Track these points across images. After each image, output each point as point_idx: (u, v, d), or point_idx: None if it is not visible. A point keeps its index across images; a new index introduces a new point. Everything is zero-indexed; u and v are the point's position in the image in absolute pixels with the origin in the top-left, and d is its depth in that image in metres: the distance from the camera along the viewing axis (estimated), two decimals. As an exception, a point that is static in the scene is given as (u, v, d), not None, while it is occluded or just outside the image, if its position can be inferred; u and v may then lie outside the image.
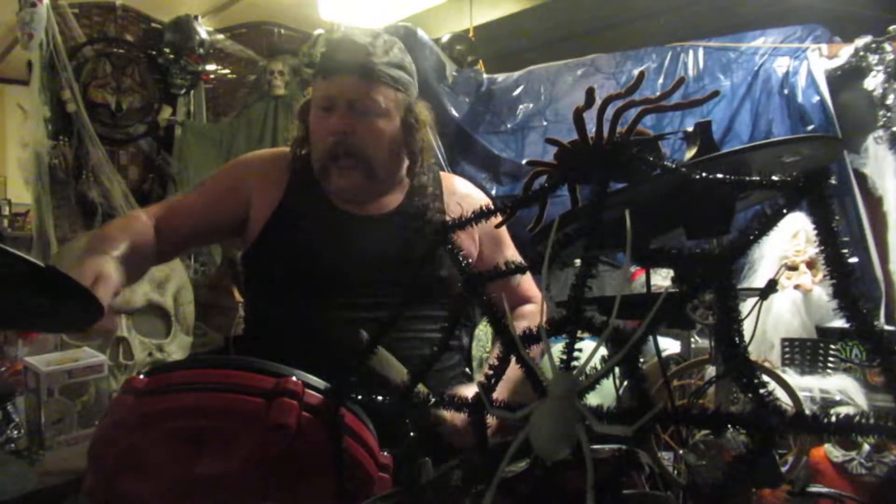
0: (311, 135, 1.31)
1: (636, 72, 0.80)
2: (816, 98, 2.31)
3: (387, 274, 1.24)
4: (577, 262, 0.65)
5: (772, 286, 0.96)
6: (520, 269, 0.71)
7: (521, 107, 2.96)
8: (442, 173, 1.47)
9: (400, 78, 1.29)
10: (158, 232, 1.28)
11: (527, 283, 1.46)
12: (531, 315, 1.41)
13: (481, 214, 0.75)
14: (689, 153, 0.95)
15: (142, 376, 0.81)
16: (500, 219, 1.32)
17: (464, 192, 1.46)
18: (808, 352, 1.57)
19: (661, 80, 2.65)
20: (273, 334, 1.29)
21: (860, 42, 2.27)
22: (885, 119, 2.18)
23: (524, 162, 2.75)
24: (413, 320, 1.27)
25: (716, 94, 0.90)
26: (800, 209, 0.57)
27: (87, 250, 1.12)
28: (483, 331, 2.04)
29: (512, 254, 1.44)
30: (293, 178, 1.35)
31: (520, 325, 1.33)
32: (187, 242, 1.41)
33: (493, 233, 1.43)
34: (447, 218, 0.81)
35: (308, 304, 1.25)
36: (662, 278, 1.59)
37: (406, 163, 1.37)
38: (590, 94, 0.78)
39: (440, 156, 2.80)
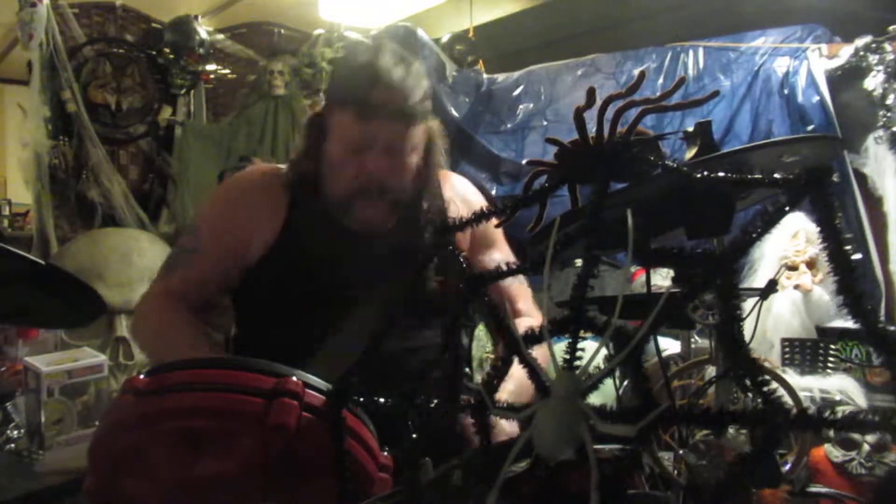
0: (336, 166, 1.26)
1: (636, 72, 0.80)
2: (816, 98, 2.31)
3: (394, 290, 1.22)
4: (578, 262, 0.65)
5: (772, 286, 0.96)
6: (521, 270, 0.71)
7: (521, 107, 2.96)
8: (440, 172, 1.43)
9: (428, 107, 1.27)
10: (187, 305, 1.26)
11: (524, 299, 1.42)
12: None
13: (482, 216, 0.75)
14: (690, 153, 0.95)
15: (142, 376, 0.81)
16: (503, 240, 1.32)
17: (460, 191, 1.44)
18: (808, 352, 1.57)
19: (661, 80, 2.65)
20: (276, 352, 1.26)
21: (860, 42, 2.27)
22: (885, 119, 2.18)
23: (524, 162, 2.76)
24: (413, 329, 1.26)
25: (716, 94, 0.90)
26: (800, 208, 0.57)
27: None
28: (483, 331, 2.04)
29: (503, 256, 1.40)
30: (294, 200, 1.30)
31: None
32: (210, 301, 1.35)
33: (487, 235, 1.42)
34: (448, 219, 0.81)
35: (319, 322, 1.23)
36: (663, 278, 1.59)
37: (425, 185, 1.35)
38: (590, 94, 0.78)
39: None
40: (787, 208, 0.53)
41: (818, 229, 0.53)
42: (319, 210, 1.29)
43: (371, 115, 1.20)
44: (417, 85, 1.23)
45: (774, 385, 0.53)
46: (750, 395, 0.54)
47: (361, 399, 0.80)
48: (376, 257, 1.25)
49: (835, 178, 0.53)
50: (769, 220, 0.53)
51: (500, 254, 1.42)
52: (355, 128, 1.21)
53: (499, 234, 1.45)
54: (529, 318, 1.40)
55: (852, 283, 0.51)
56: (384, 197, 1.25)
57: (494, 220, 1.42)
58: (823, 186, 0.52)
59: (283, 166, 1.37)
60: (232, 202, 1.36)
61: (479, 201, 1.46)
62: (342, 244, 1.28)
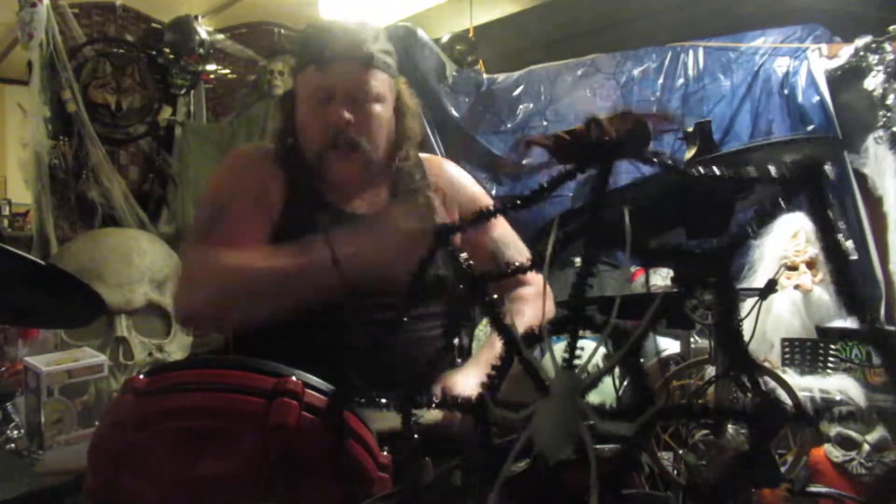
0: (306, 126, 1.28)
1: (637, 72, 0.80)
2: (816, 98, 2.32)
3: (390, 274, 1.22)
4: (577, 261, 0.65)
5: (772, 286, 0.96)
6: (520, 270, 0.71)
7: (521, 107, 2.96)
8: (425, 156, 1.42)
9: (392, 64, 1.29)
10: None
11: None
12: (529, 298, 1.38)
13: (481, 215, 0.75)
14: (689, 153, 0.95)
15: (142, 376, 0.81)
16: (500, 217, 1.32)
17: (448, 176, 1.42)
18: (808, 352, 1.57)
19: (661, 80, 2.66)
20: (274, 341, 1.25)
21: (860, 42, 2.27)
22: (885, 119, 2.18)
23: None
24: (414, 320, 1.26)
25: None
26: (800, 209, 0.57)
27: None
28: (483, 331, 2.04)
29: (501, 232, 1.38)
30: (289, 180, 1.30)
31: (518, 308, 1.28)
32: None
33: (477, 209, 1.40)
34: (443, 221, 0.81)
35: (319, 312, 1.22)
36: (662, 278, 1.59)
37: (398, 150, 1.34)
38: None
39: (440, 156, 2.80)
40: (783, 203, 0.53)
41: (813, 223, 0.53)
42: (313, 191, 1.29)
43: (327, 60, 1.22)
44: (374, 37, 1.25)
45: (770, 384, 0.53)
46: (748, 392, 0.54)
47: (363, 400, 0.80)
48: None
49: (829, 172, 0.53)
50: (766, 216, 0.53)
51: (497, 230, 1.39)
52: (315, 79, 1.24)
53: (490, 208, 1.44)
54: (530, 285, 1.39)
55: (847, 276, 0.51)
56: (354, 148, 1.24)
57: (486, 198, 1.41)
58: (818, 181, 0.52)
59: (268, 146, 1.37)
60: (240, 178, 1.33)
61: (467, 183, 1.45)
62: (333, 222, 1.24)
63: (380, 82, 1.26)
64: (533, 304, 1.36)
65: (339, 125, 1.23)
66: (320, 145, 1.26)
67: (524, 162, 2.70)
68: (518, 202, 0.70)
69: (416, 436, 0.76)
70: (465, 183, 1.45)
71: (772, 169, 0.54)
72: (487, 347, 1.26)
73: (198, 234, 1.29)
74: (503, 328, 0.68)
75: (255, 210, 1.26)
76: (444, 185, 1.38)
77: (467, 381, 1.11)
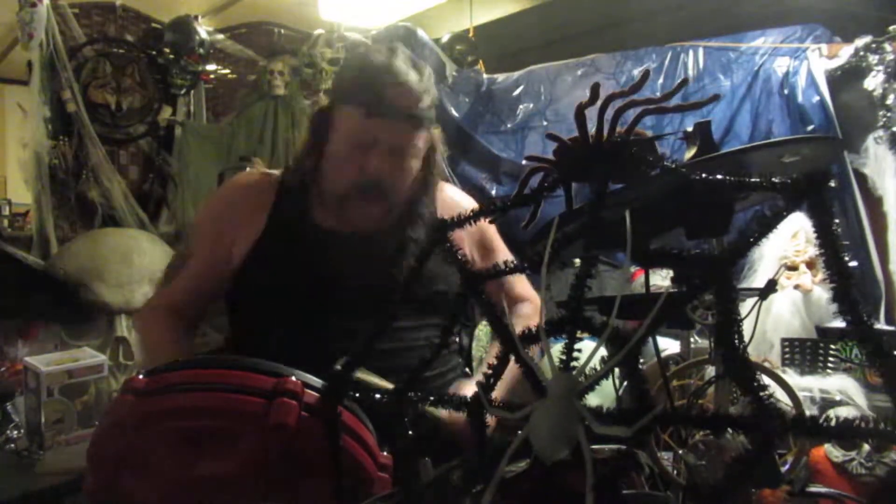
0: (338, 163, 1.27)
1: (637, 72, 0.80)
2: (816, 98, 2.31)
3: (374, 292, 1.23)
4: (577, 261, 0.65)
5: (772, 286, 0.96)
6: (519, 269, 0.71)
7: (521, 107, 2.96)
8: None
9: (433, 116, 1.29)
10: (180, 317, 1.30)
11: (521, 284, 1.44)
12: (528, 316, 1.40)
13: (480, 213, 0.75)
14: (689, 153, 0.95)
15: (142, 376, 0.81)
16: (503, 248, 1.31)
17: (454, 201, 1.43)
18: (808, 352, 1.57)
19: (661, 80, 2.65)
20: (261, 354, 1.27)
21: (860, 42, 2.27)
22: (885, 119, 2.18)
23: (524, 157, 2.76)
24: (411, 330, 1.26)
25: (716, 97, 0.90)
26: (800, 210, 0.57)
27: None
28: (483, 331, 2.04)
29: (506, 259, 1.41)
30: (278, 202, 1.32)
31: (517, 325, 1.31)
32: (205, 306, 1.39)
33: (483, 240, 1.41)
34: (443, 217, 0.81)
35: (296, 323, 1.24)
36: (662, 278, 1.59)
37: (416, 190, 1.35)
38: (594, 91, 0.77)
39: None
40: (784, 212, 0.53)
41: (815, 234, 0.53)
42: (300, 210, 1.30)
43: (381, 113, 1.20)
44: (428, 91, 1.25)
45: (770, 388, 0.53)
46: (748, 396, 0.54)
47: (357, 395, 0.80)
48: (352, 257, 1.27)
49: (832, 182, 0.53)
50: (767, 224, 0.53)
51: (502, 257, 1.42)
52: (363, 125, 1.22)
53: (500, 240, 1.45)
54: (528, 302, 1.42)
55: (848, 289, 0.51)
56: (381, 197, 1.26)
57: (494, 230, 1.43)
58: (821, 191, 0.52)
59: (277, 172, 1.40)
60: (219, 208, 1.40)
61: (473, 207, 1.45)
62: (316, 243, 1.29)
63: (423, 139, 1.27)
64: (531, 321, 1.37)
65: (375, 176, 1.23)
66: (348, 188, 1.26)
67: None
68: (509, 203, 0.70)
69: (411, 432, 0.76)
70: (468, 207, 1.46)
71: (775, 179, 0.54)
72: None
73: (166, 278, 1.45)
74: (501, 328, 0.68)
75: (220, 255, 1.32)
76: (447, 210, 1.40)
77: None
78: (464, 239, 1.37)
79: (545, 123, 2.87)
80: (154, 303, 1.40)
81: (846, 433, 0.48)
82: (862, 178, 2.23)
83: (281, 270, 1.27)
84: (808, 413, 0.53)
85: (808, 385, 1.44)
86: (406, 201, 1.32)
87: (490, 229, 1.42)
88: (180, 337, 1.29)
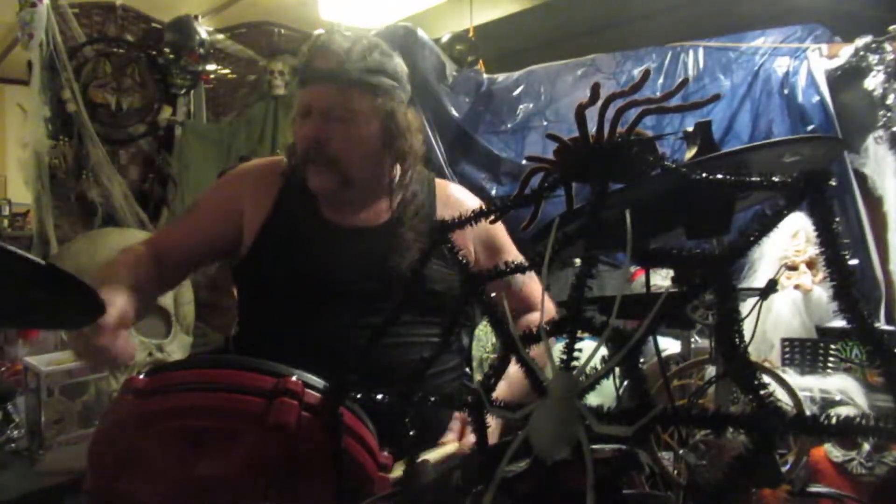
0: (295, 141, 1.33)
1: (637, 72, 0.80)
2: (816, 98, 2.31)
3: (373, 286, 1.23)
4: (577, 261, 0.65)
5: (772, 286, 0.96)
6: (519, 269, 0.71)
7: (521, 107, 2.96)
8: (437, 180, 1.46)
9: (379, 84, 1.28)
10: (158, 261, 1.28)
11: (531, 289, 1.43)
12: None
13: (479, 214, 0.75)
14: (689, 153, 0.95)
15: (142, 376, 0.81)
16: (511, 246, 1.31)
17: (458, 199, 1.44)
18: (808, 352, 1.57)
19: (661, 80, 2.65)
20: (265, 343, 1.29)
21: (860, 42, 2.27)
22: (885, 119, 2.18)
23: (524, 157, 2.76)
24: (411, 325, 1.27)
25: (717, 97, 0.90)
26: (800, 209, 0.57)
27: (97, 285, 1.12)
28: (483, 331, 2.04)
29: (513, 260, 1.41)
30: (285, 188, 1.35)
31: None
32: (188, 266, 1.39)
33: (489, 240, 1.41)
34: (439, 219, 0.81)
35: (297, 314, 1.25)
36: (662, 278, 1.59)
37: (394, 170, 1.36)
38: (594, 90, 0.77)
39: (440, 156, 2.80)
40: (785, 211, 0.53)
41: (816, 233, 0.53)
42: (305, 201, 1.32)
43: (308, 80, 1.29)
44: (363, 55, 1.27)
45: (771, 387, 0.53)
46: (748, 395, 0.54)
47: (359, 395, 0.80)
48: (354, 250, 1.28)
49: (832, 181, 0.53)
50: (768, 223, 0.53)
51: (510, 257, 1.41)
52: (300, 96, 1.30)
53: (507, 240, 1.44)
54: (536, 313, 1.41)
55: (849, 288, 0.51)
56: (328, 164, 1.27)
57: (502, 229, 1.43)
58: (822, 190, 0.52)
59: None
60: (230, 183, 1.44)
61: (476, 205, 1.45)
62: (320, 235, 1.31)
63: (357, 102, 1.26)
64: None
65: (310, 141, 1.27)
66: (301, 160, 1.30)
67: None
68: (509, 203, 0.70)
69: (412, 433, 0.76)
70: (473, 206, 1.46)
71: (775, 178, 0.54)
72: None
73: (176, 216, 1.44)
74: (502, 328, 0.68)
75: (223, 214, 1.34)
76: (452, 210, 1.40)
77: None
78: (468, 239, 1.36)
79: (545, 123, 2.87)
80: (144, 240, 1.38)
81: (846, 431, 0.48)
82: (862, 178, 2.23)
83: (284, 260, 1.29)
84: (808, 413, 0.53)
85: (808, 385, 1.44)
86: (373, 180, 1.33)
87: (497, 229, 1.42)
88: (135, 262, 1.24)
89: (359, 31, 1.34)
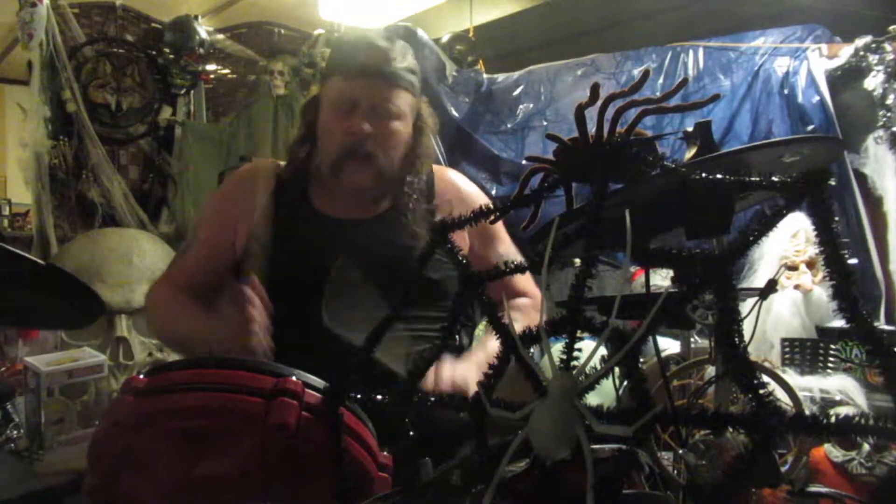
0: (325, 133, 1.32)
1: (637, 71, 0.81)
2: (816, 98, 2.31)
3: (370, 278, 1.23)
4: (577, 261, 0.65)
5: (772, 286, 0.96)
6: (519, 269, 0.71)
7: (521, 107, 2.96)
8: (435, 166, 1.45)
9: (415, 83, 1.33)
10: (191, 293, 1.32)
11: (522, 278, 1.45)
12: (524, 308, 1.40)
13: (479, 214, 0.75)
14: (689, 153, 0.95)
15: (142, 376, 0.81)
16: (505, 235, 1.31)
17: (456, 188, 1.45)
18: (808, 352, 1.57)
19: (661, 80, 2.65)
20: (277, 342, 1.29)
21: (860, 42, 2.27)
22: (885, 119, 2.18)
23: (524, 157, 2.76)
24: (409, 320, 1.26)
25: (717, 97, 0.90)
26: (800, 209, 0.57)
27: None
28: (483, 331, 2.04)
29: (506, 249, 1.42)
30: (277, 187, 1.36)
31: (513, 317, 1.33)
32: (212, 288, 1.41)
33: (484, 228, 1.42)
34: (443, 217, 0.81)
35: (293, 309, 1.25)
36: (662, 278, 1.59)
37: (411, 166, 1.37)
38: (594, 90, 0.78)
39: (440, 156, 2.80)
40: (784, 211, 0.53)
41: (815, 233, 0.53)
42: (297, 194, 1.34)
43: (357, 75, 1.28)
44: (402, 55, 1.30)
45: (770, 387, 0.53)
46: (748, 395, 0.54)
47: (359, 396, 0.80)
48: (347, 242, 1.28)
49: (832, 181, 0.53)
50: (767, 222, 0.53)
51: (503, 246, 1.42)
52: (343, 89, 1.29)
53: (499, 227, 1.45)
54: (526, 298, 1.42)
55: (848, 288, 0.51)
56: (369, 159, 1.28)
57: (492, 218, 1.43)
58: (821, 190, 0.52)
59: (283, 162, 1.42)
60: (224, 195, 1.45)
61: (475, 196, 1.46)
62: (311, 227, 1.32)
63: (402, 100, 1.30)
64: (526, 315, 1.37)
65: (359, 136, 1.27)
66: (338, 154, 1.29)
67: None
68: (509, 203, 0.70)
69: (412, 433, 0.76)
70: (471, 192, 1.46)
71: (775, 177, 0.54)
72: (481, 346, 1.29)
73: (174, 260, 1.47)
74: (501, 328, 0.68)
75: (225, 230, 1.35)
76: (451, 196, 1.40)
77: (460, 367, 1.13)
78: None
79: (545, 123, 2.87)
80: (162, 280, 1.41)
81: (846, 431, 0.48)
82: (862, 178, 2.23)
83: (278, 253, 1.30)
84: (808, 413, 0.53)
85: (808, 385, 1.45)
86: (399, 179, 1.34)
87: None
88: (192, 305, 1.29)
89: (389, 34, 1.37)
